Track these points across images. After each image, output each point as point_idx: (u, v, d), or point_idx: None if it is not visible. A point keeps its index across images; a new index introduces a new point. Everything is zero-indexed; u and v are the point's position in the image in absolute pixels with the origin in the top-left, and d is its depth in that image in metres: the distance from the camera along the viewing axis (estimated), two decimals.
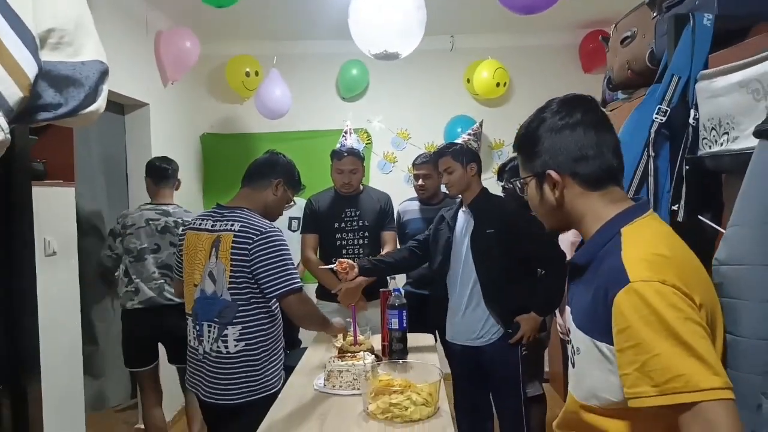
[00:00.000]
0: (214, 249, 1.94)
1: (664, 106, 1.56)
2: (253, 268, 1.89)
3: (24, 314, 1.01)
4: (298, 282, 1.93)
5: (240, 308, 1.92)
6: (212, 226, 1.99)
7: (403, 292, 2.29)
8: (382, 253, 2.97)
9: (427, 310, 2.86)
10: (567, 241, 2.53)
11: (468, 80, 4.25)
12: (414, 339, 2.36)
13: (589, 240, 1.07)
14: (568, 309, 1.19)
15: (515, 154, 3.32)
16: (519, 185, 1.19)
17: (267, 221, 1.97)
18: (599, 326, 0.96)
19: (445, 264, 2.57)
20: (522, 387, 2.44)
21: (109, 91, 1.22)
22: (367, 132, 4.33)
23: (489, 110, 4.31)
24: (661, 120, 1.56)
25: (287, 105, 3.98)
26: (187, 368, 2.08)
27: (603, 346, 0.96)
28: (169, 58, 3.58)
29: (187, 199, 4.02)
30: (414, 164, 3.21)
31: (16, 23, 0.90)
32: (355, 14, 2.33)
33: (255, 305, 1.93)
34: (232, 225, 1.94)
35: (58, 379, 2.34)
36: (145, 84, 3.43)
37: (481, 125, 2.69)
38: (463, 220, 2.54)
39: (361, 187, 3.03)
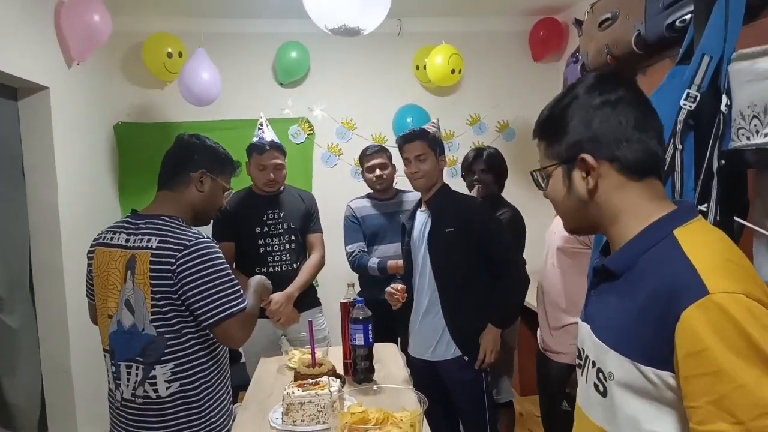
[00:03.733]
0: (129, 271, 1.53)
1: (693, 91, 1.34)
2: (180, 292, 1.50)
3: None
4: (237, 302, 1.55)
5: (170, 343, 1.53)
6: (126, 242, 1.57)
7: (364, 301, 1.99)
8: (310, 258, 2.68)
9: (383, 317, 2.57)
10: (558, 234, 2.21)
11: (417, 67, 3.95)
12: (375, 351, 2.05)
13: (631, 242, 0.90)
14: (583, 325, 0.99)
15: (480, 146, 3.08)
16: (540, 176, 1.02)
17: (194, 231, 1.58)
18: (646, 348, 0.81)
19: (408, 272, 2.33)
20: (487, 400, 2.23)
21: None
22: (309, 122, 3.94)
23: (440, 99, 4.04)
24: (690, 107, 1.35)
25: (216, 90, 3.51)
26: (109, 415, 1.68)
27: (649, 371, 0.81)
28: (73, 34, 3.02)
29: (100, 201, 3.48)
30: (365, 155, 2.88)
31: None
32: None
33: (190, 337, 1.56)
34: (149, 240, 1.54)
35: None
36: (44, 64, 2.87)
37: (438, 121, 2.47)
38: (421, 220, 2.29)
39: (282, 186, 2.68)
